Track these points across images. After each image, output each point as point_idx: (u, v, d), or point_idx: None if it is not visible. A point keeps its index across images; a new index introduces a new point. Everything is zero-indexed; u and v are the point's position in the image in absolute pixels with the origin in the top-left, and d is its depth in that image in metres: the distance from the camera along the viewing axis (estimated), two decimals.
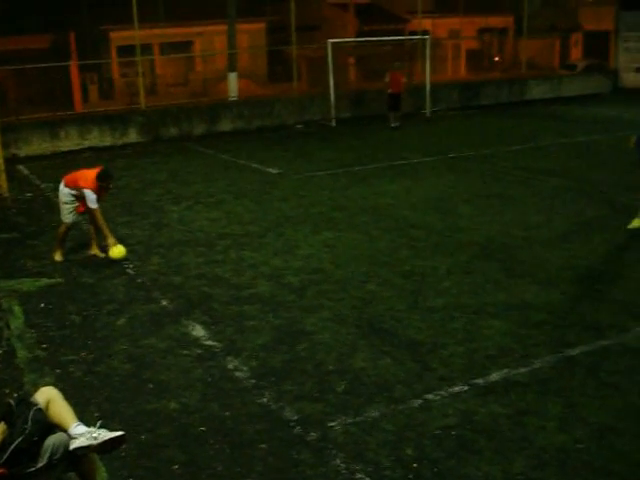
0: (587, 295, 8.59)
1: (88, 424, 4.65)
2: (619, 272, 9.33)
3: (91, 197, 9.67)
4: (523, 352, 7.15)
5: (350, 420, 5.98)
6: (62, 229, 10.23)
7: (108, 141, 20.80)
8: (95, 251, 10.38)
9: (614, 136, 20.05)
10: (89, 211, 9.88)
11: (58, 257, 10.26)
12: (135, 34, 21.53)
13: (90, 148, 20.22)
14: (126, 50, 25.83)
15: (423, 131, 22.38)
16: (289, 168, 16.53)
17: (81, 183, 9.77)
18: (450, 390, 6.44)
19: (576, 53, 38.82)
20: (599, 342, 7.34)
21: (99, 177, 9.74)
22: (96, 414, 6.03)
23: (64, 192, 10.04)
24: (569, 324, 7.76)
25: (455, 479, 5.24)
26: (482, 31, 38.73)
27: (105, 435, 4.51)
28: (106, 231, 9.83)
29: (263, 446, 5.67)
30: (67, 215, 10.11)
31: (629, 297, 8.47)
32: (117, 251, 9.85)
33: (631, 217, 11.06)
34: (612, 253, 10.08)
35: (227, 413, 6.14)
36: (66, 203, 10.07)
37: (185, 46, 31.43)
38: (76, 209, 10.06)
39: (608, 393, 6.38)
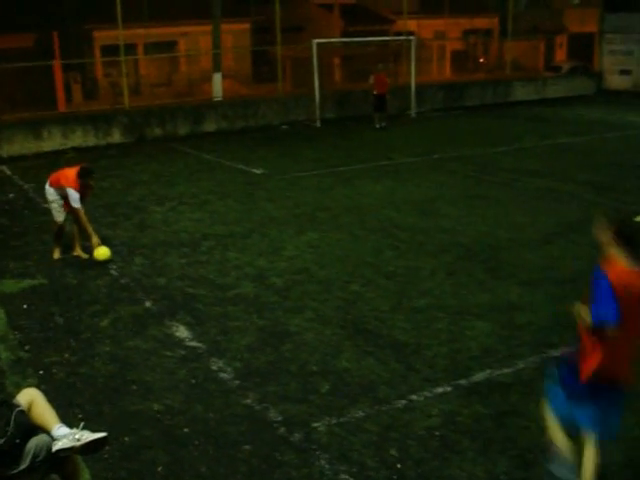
0: (571, 296, 8.60)
1: (71, 426, 4.62)
2: None
3: (74, 196, 9.65)
4: (507, 353, 7.18)
5: (334, 421, 5.99)
6: (55, 228, 10.22)
7: (92, 141, 20.71)
8: (78, 252, 10.33)
9: (598, 138, 20.19)
10: (72, 210, 9.84)
11: (56, 255, 10.26)
12: (119, 34, 21.45)
13: (74, 148, 20.11)
14: (110, 50, 25.69)
15: (408, 132, 22.42)
16: (274, 169, 16.52)
17: (63, 182, 9.75)
18: (434, 391, 6.46)
19: (561, 55, 39.01)
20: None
21: (79, 174, 9.73)
22: (79, 415, 6.01)
23: (49, 192, 10.04)
24: (553, 325, 7.80)
25: (439, 479, 5.25)
26: (467, 32, 38.87)
27: (88, 437, 4.48)
28: (89, 230, 9.81)
29: (247, 447, 5.66)
30: (57, 214, 10.10)
31: None
32: (102, 252, 9.82)
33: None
34: (595, 254, 10.11)
35: (211, 414, 6.13)
36: (53, 202, 10.06)
37: (169, 46, 31.33)
38: (63, 207, 10.03)
39: None
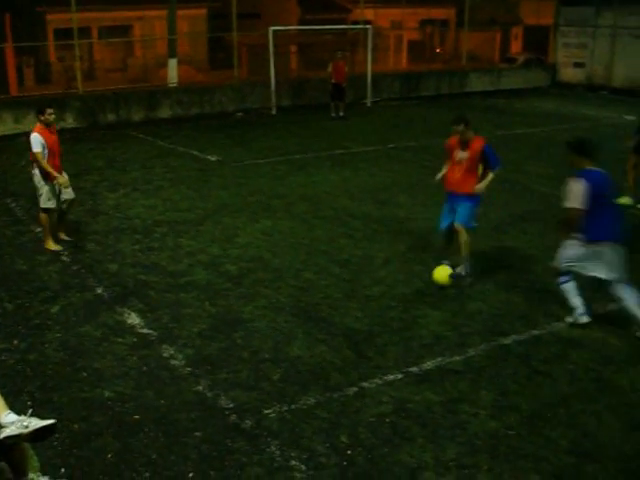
0: (520, 285, 8.76)
1: (20, 413, 4.57)
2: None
3: (33, 141, 9.35)
4: (458, 341, 7.27)
5: (285, 408, 6.01)
6: (44, 217, 9.83)
7: None
8: (62, 236, 10.18)
9: (552, 129, 20.45)
10: (34, 159, 9.47)
11: (53, 246, 9.89)
12: (73, 17, 21.06)
13: (25, 133, 19.64)
14: (63, 33, 25.22)
15: (364, 121, 22.45)
16: (228, 156, 16.42)
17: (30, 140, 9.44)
18: (385, 378, 6.52)
19: (516, 47, 39.37)
20: (531, 331, 7.52)
21: (37, 114, 9.59)
22: (28, 403, 5.94)
23: (35, 173, 9.64)
24: (503, 313, 7.92)
25: (388, 466, 5.31)
26: (424, 22, 39.00)
27: (36, 424, 4.44)
28: (50, 171, 9.44)
29: (198, 434, 5.65)
30: (47, 201, 9.70)
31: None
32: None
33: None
34: (545, 245, 10.28)
35: (162, 401, 6.11)
36: (39, 183, 9.63)
37: (124, 30, 30.87)
38: (54, 188, 9.67)
39: (539, 381, 6.55)
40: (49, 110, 9.62)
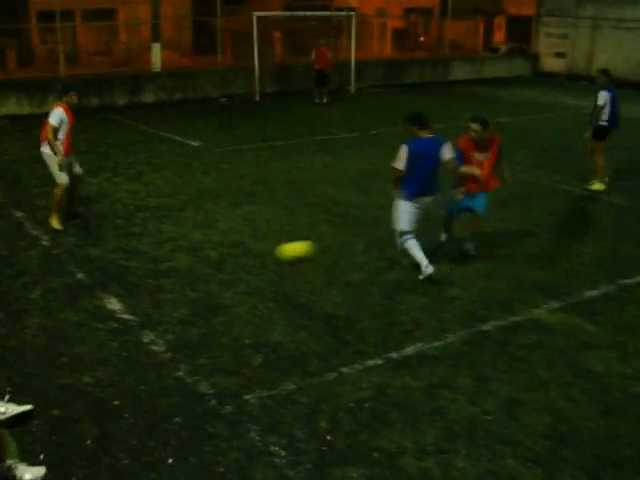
0: (500, 272, 8.81)
1: None
2: (531, 250, 9.59)
3: (55, 113, 9.58)
4: (437, 326, 7.31)
5: (265, 393, 6.03)
6: (59, 192, 9.90)
7: (26, 110, 20.13)
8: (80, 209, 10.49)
9: (533, 118, 20.53)
10: (46, 134, 9.61)
11: (57, 225, 9.92)
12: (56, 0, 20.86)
13: (7, 116, 19.54)
14: (46, 16, 24.92)
15: (347, 107, 22.42)
16: (211, 141, 16.37)
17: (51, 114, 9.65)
18: (365, 363, 6.56)
19: (499, 36, 39.33)
20: (510, 317, 7.58)
21: (59, 96, 9.82)
22: (7, 389, 5.89)
23: (44, 150, 9.78)
24: (482, 300, 7.97)
25: (368, 451, 5.35)
26: (408, 10, 38.89)
27: (13, 409, 4.43)
28: (56, 149, 9.60)
29: (178, 420, 5.66)
30: (59, 173, 9.79)
31: (539, 275, 8.74)
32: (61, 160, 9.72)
33: (548, 197, 11.39)
34: (530, 233, 10.34)
35: (142, 387, 6.11)
36: (49, 158, 9.75)
37: (108, 14, 30.57)
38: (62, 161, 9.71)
39: (517, 367, 6.60)
40: (72, 92, 9.90)
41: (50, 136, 9.56)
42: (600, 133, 12.58)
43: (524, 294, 8.17)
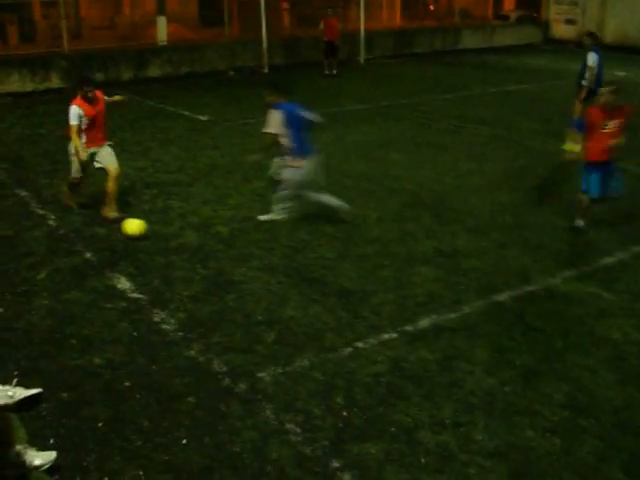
0: (515, 242, 8.66)
1: (5, 383, 4.45)
2: (547, 219, 9.42)
3: (71, 113, 9.09)
4: (453, 298, 7.19)
5: (280, 370, 5.92)
6: (71, 181, 9.72)
7: (29, 86, 19.98)
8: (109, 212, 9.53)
9: (543, 86, 20.23)
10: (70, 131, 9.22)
11: (71, 202, 9.86)
12: None
13: (10, 94, 19.38)
14: None
15: (357, 79, 22.17)
16: (219, 115, 16.19)
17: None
18: (380, 337, 6.44)
19: (509, 4, 38.84)
20: (526, 287, 7.44)
21: (77, 86, 9.38)
22: (15, 372, 5.80)
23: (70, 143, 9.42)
24: (497, 270, 7.83)
25: (385, 425, 5.24)
26: None
27: (22, 393, 4.33)
28: (77, 148, 9.15)
29: (191, 399, 5.56)
30: (74, 170, 9.51)
31: (555, 244, 8.59)
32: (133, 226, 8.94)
33: (558, 165, 11.19)
34: (540, 201, 10.17)
35: (154, 367, 6.01)
36: (71, 155, 9.44)
37: None
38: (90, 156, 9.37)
39: (533, 337, 6.48)
40: (87, 88, 9.27)
41: (73, 136, 9.18)
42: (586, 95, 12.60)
43: (539, 264, 8.01)
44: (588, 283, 7.53)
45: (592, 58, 12.55)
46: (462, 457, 4.94)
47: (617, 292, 7.36)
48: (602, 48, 12.87)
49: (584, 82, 12.69)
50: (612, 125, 8.51)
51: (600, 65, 12.62)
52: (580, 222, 8.95)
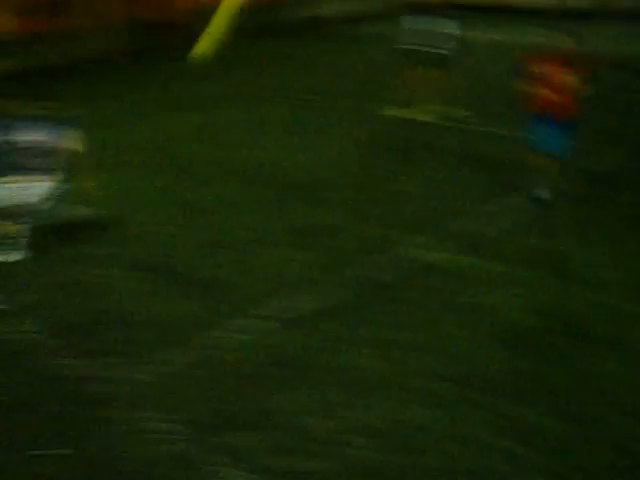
0: (365, 213, 8.76)
1: None
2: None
3: None
4: (329, 280, 7.14)
5: (150, 369, 5.59)
6: None
7: None
8: None
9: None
10: None
11: None
12: None
13: None
14: None
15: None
16: None
17: None
18: (255, 325, 6.24)
19: None
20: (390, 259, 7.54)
21: None
22: None
23: None
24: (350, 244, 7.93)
25: (273, 416, 5.09)
26: None
27: None
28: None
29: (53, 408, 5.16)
30: None
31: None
32: None
33: None
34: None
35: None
36: None
37: None
38: None
39: (406, 310, 6.57)
40: None
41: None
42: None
43: (394, 232, 8.16)
44: (453, 251, 7.73)
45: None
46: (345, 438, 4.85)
47: (483, 258, 7.58)
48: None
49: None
50: None
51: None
52: None
